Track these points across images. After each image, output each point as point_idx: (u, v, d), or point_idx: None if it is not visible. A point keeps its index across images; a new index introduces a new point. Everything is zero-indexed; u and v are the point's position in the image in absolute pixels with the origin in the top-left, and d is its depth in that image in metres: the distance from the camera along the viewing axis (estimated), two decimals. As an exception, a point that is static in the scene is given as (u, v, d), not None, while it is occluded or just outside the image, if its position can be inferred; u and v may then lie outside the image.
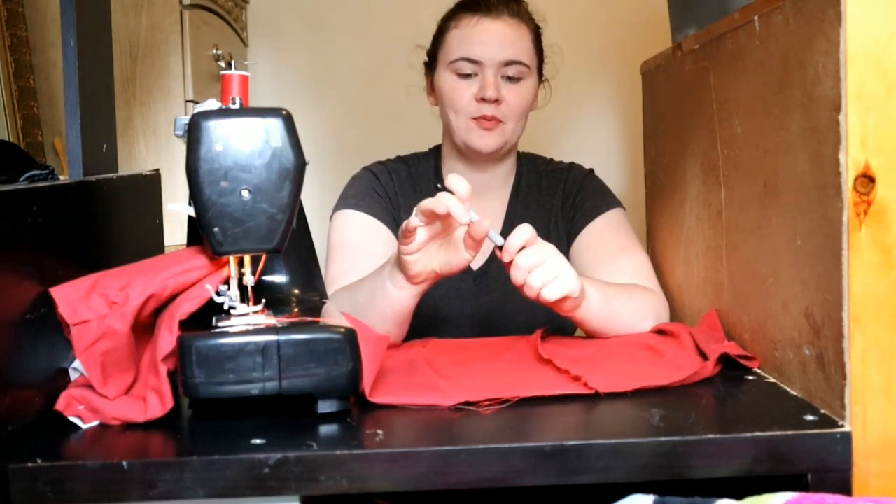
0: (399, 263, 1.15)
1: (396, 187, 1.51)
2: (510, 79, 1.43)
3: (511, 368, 1.10)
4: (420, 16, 1.52)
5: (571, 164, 1.57)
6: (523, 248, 1.10)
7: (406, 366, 1.12)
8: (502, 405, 0.94)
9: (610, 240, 1.45)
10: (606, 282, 1.29)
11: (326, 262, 1.43)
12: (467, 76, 1.43)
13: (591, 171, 1.56)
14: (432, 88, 1.52)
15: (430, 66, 1.52)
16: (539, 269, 1.10)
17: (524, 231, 1.11)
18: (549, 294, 1.10)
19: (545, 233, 1.51)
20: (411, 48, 1.56)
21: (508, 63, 1.42)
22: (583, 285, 1.16)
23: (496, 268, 1.50)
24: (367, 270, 1.35)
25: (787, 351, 0.98)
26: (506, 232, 1.51)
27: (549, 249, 1.12)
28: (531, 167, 1.55)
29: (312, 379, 0.90)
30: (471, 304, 1.48)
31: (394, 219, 1.48)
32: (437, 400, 0.95)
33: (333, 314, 1.02)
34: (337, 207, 1.50)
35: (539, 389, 0.97)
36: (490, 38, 1.42)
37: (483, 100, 1.41)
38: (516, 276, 1.10)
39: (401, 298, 1.18)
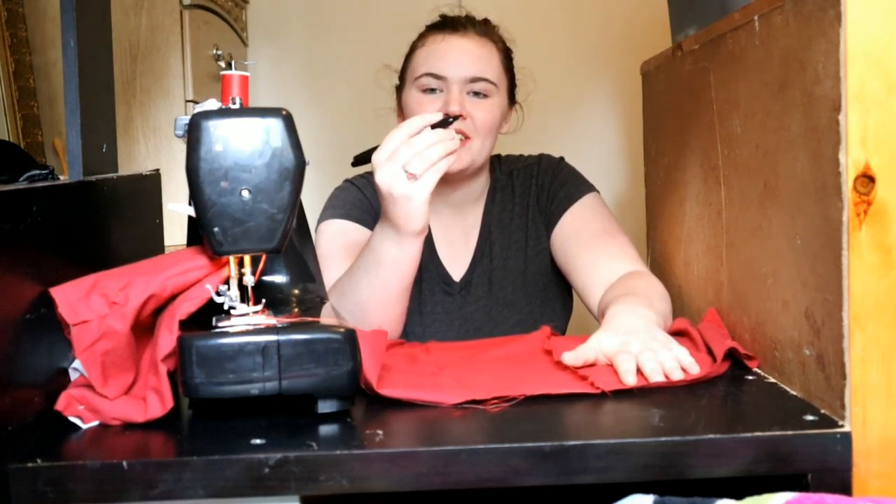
0: (407, 220, 1.16)
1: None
2: (476, 94, 1.41)
3: (517, 366, 1.09)
4: (420, 16, 1.52)
5: (541, 155, 1.56)
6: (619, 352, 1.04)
7: (411, 363, 1.12)
8: (509, 403, 0.94)
9: (591, 224, 1.44)
10: (642, 299, 1.22)
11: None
12: (432, 91, 1.41)
13: (561, 158, 1.56)
14: (401, 109, 1.51)
15: (400, 87, 1.51)
16: (661, 357, 1.03)
17: (628, 363, 1.01)
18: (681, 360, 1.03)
19: (524, 231, 1.51)
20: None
21: (474, 80, 1.40)
22: (655, 319, 1.14)
23: (478, 276, 1.50)
24: None
25: (787, 351, 0.98)
26: (483, 240, 1.51)
27: (643, 341, 1.06)
28: (504, 169, 1.54)
29: (312, 379, 0.90)
30: (458, 316, 1.48)
31: None
32: (443, 398, 0.96)
33: (333, 315, 1.02)
34: (324, 218, 1.49)
35: (546, 388, 0.97)
36: (455, 54, 1.41)
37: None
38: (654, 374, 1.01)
39: (412, 255, 1.20)
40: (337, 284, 1.28)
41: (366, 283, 1.23)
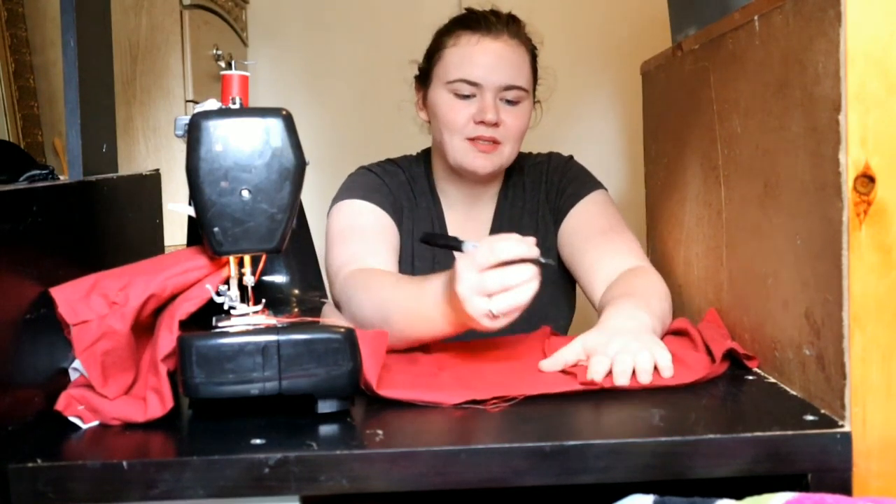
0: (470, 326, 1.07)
1: (399, 188, 1.49)
2: (508, 102, 1.40)
3: (517, 366, 1.09)
4: (420, 16, 1.52)
5: (551, 154, 1.56)
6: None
7: (411, 363, 1.12)
8: (509, 403, 0.94)
9: (597, 220, 1.44)
10: (639, 299, 1.20)
11: (331, 248, 1.38)
12: (465, 97, 1.40)
13: (571, 157, 1.56)
14: (424, 103, 1.49)
15: (423, 80, 1.49)
16: (639, 360, 1.01)
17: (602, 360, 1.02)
18: (662, 366, 1.02)
19: (534, 227, 1.51)
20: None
21: (508, 87, 1.39)
22: (649, 322, 1.13)
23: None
24: (383, 256, 1.32)
25: (787, 351, 0.98)
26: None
27: (623, 341, 1.04)
28: (515, 166, 1.54)
29: (312, 379, 0.90)
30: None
31: (398, 219, 1.45)
32: (443, 398, 0.96)
33: (332, 314, 1.02)
34: (341, 198, 1.44)
35: (546, 388, 0.97)
36: (490, 60, 1.39)
37: (482, 122, 1.38)
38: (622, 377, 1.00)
39: (451, 333, 1.12)
40: (368, 290, 1.21)
41: (402, 323, 1.15)
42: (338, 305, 1.30)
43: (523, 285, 0.99)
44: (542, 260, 1.01)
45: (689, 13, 1.37)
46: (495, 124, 1.39)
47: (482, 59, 1.39)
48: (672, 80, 1.42)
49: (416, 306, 1.13)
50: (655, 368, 1.01)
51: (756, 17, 1.03)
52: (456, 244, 1.03)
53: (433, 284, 1.10)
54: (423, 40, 1.53)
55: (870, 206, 0.83)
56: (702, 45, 1.24)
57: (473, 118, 1.39)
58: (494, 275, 0.99)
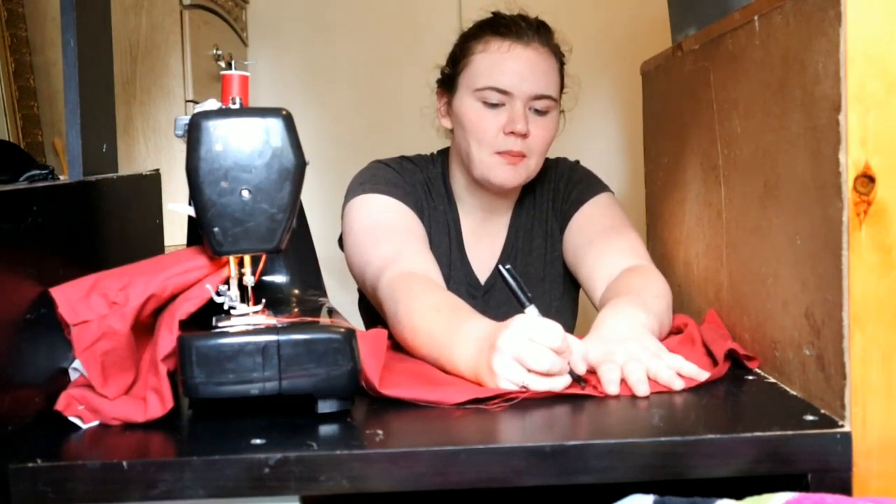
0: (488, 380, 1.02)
1: (417, 188, 1.45)
2: (537, 112, 1.37)
3: None
4: (419, 16, 1.51)
5: (558, 159, 1.54)
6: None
7: (413, 363, 1.12)
8: (509, 403, 0.94)
9: (600, 221, 1.42)
10: (635, 298, 1.18)
11: (364, 244, 1.32)
12: (494, 106, 1.36)
13: (577, 162, 1.54)
14: (447, 110, 1.45)
15: (447, 86, 1.44)
16: (653, 368, 1.00)
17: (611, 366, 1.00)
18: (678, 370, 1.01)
19: (544, 237, 1.50)
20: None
21: (538, 97, 1.36)
22: (647, 321, 1.11)
23: (501, 281, 1.48)
24: (425, 256, 1.28)
25: (787, 351, 0.98)
26: (509, 246, 1.49)
27: (630, 352, 1.03)
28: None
29: (312, 379, 0.90)
30: None
31: (420, 218, 1.40)
32: (444, 397, 0.95)
33: (334, 316, 1.02)
34: (363, 191, 1.38)
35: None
36: (522, 68, 1.36)
37: (511, 133, 1.35)
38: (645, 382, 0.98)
39: (466, 377, 1.06)
40: (409, 303, 1.16)
41: (427, 349, 1.12)
42: (375, 301, 1.28)
43: (551, 385, 0.97)
44: (581, 380, 1.00)
45: (689, 13, 1.37)
46: (524, 135, 1.36)
47: (513, 67, 1.36)
48: (672, 80, 1.42)
49: (446, 343, 1.07)
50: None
51: (756, 17, 1.03)
52: (523, 299, 1.03)
53: (470, 330, 1.06)
54: (422, 40, 1.53)
55: (870, 206, 0.83)
56: (702, 45, 1.24)
57: (503, 128, 1.35)
58: (523, 374, 0.97)
